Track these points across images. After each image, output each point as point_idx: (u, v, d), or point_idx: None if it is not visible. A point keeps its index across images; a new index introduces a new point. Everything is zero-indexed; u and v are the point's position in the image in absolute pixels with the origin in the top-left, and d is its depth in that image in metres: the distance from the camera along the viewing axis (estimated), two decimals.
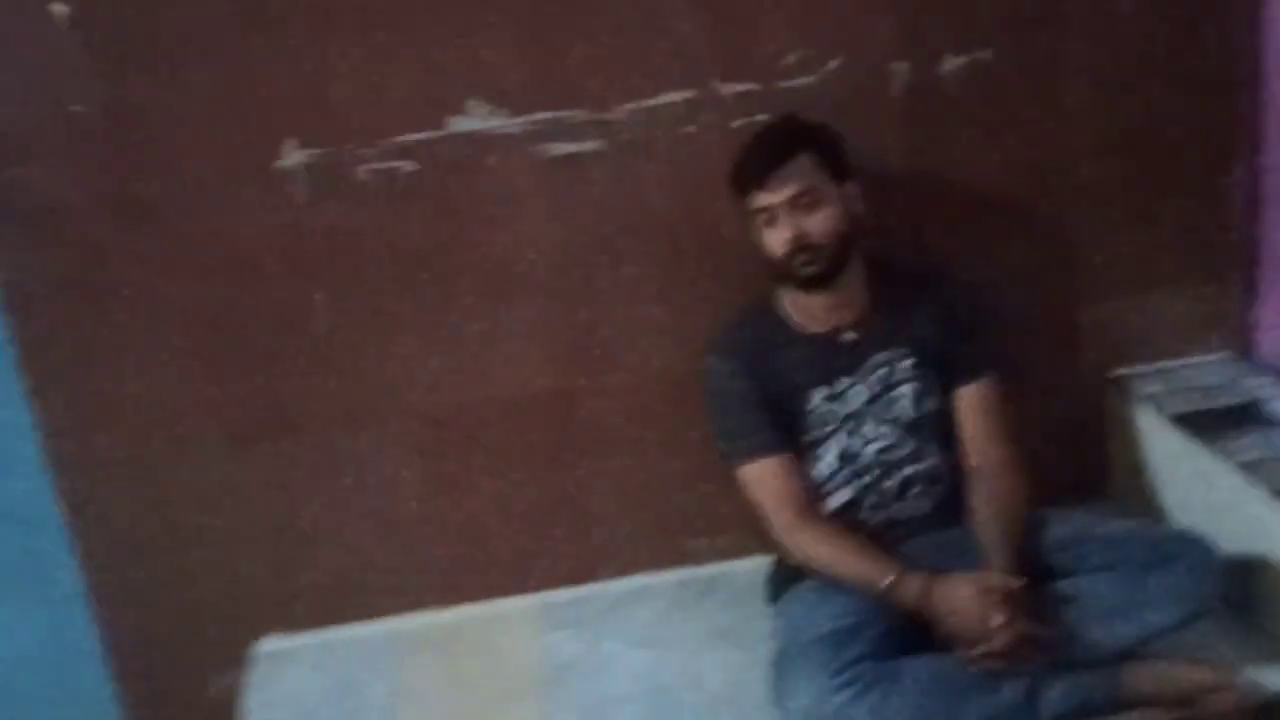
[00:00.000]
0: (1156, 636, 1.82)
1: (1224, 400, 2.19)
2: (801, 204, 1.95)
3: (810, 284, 1.99)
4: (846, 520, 2.02)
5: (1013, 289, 2.29)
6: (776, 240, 1.97)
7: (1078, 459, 2.42)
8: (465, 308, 2.23)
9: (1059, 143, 2.26)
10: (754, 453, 2.03)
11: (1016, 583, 1.78)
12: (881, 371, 2.05)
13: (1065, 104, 2.24)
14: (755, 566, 2.19)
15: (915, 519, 2.04)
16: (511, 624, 2.28)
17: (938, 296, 2.08)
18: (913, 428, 2.05)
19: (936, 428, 2.07)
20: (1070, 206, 2.29)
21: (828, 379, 2.04)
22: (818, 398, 2.03)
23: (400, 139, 2.12)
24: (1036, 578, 1.85)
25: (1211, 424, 2.11)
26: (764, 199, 1.96)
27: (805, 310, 2.05)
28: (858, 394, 2.04)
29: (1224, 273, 2.34)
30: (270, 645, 2.29)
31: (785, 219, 1.95)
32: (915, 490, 2.04)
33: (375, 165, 2.13)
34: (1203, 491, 2.08)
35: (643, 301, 2.25)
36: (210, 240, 2.14)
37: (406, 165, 2.14)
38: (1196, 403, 2.19)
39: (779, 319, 2.07)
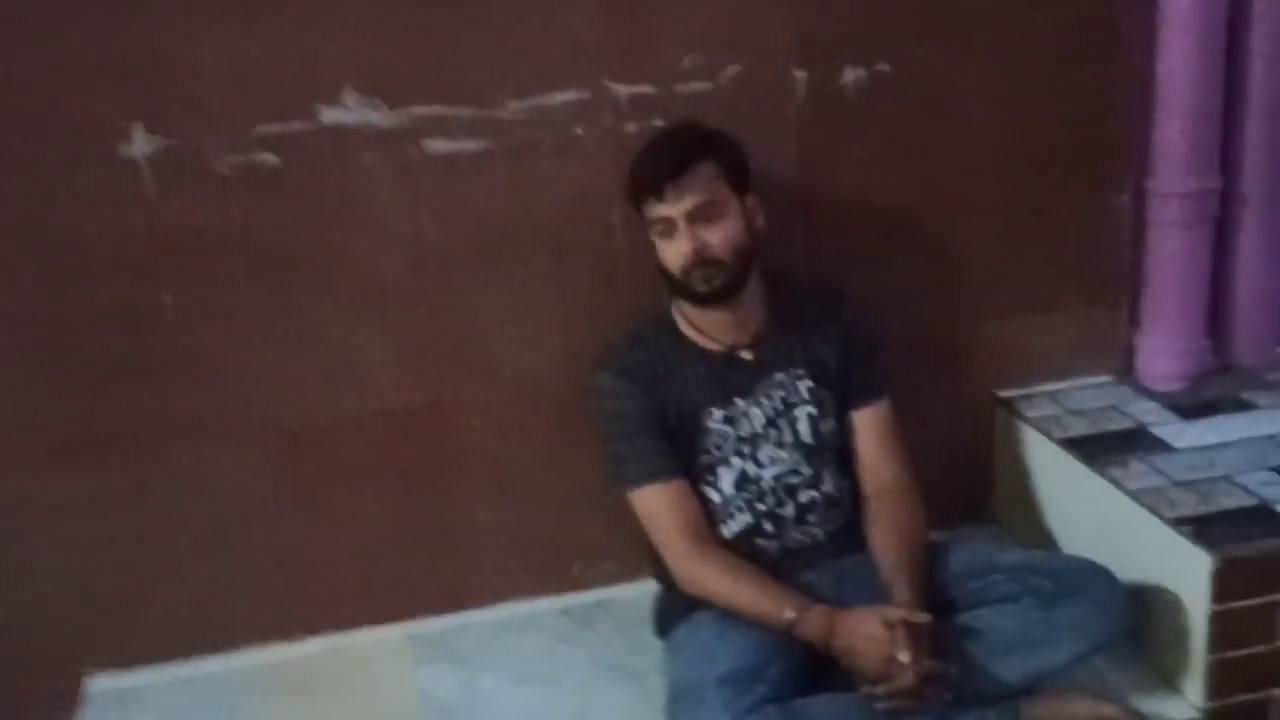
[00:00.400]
0: (1060, 671, 1.78)
1: (1111, 425, 2.18)
2: (702, 215, 1.84)
3: (709, 300, 1.89)
4: (743, 547, 1.93)
5: (903, 305, 2.23)
6: (674, 253, 1.86)
7: (963, 480, 2.39)
8: (328, 314, 2.06)
9: (953, 158, 2.21)
10: (647, 477, 1.91)
11: (922, 618, 1.72)
12: (780, 393, 1.96)
13: (961, 120, 2.20)
14: (643, 592, 2.07)
15: (813, 546, 1.96)
16: (377, 658, 2.11)
17: (836, 316, 2.00)
18: (811, 451, 1.96)
19: (834, 451, 2.00)
20: (962, 223, 2.25)
21: (725, 399, 1.94)
22: (714, 419, 1.93)
23: (264, 129, 1.94)
24: (939, 610, 1.79)
25: (1099, 448, 2.10)
26: (662, 209, 1.85)
27: (702, 327, 1.95)
28: (755, 416, 1.95)
29: (1109, 296, 2.34)
30: (103, 684, 2.08)
31: (684, 231, 1.84)
32: (813, 516, 1.96)
33: (235, 157, 1.94)
34: (1092, 517, 2.06)
35: (526, 313, 2.11)
36: (45, 233, 1.92)
37: (270, 158, 1.95)
38: (1084, 426, 2.18)
39: (674, 335, 1.97)
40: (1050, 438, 2.17)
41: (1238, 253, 2.30)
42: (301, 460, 2.12)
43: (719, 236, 1.85)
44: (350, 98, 1.94)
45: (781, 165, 2.12)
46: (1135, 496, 1.95)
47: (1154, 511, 1.91)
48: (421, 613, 2.20)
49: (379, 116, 1.96)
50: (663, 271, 1.90)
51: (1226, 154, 2.24)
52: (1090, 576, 1.80)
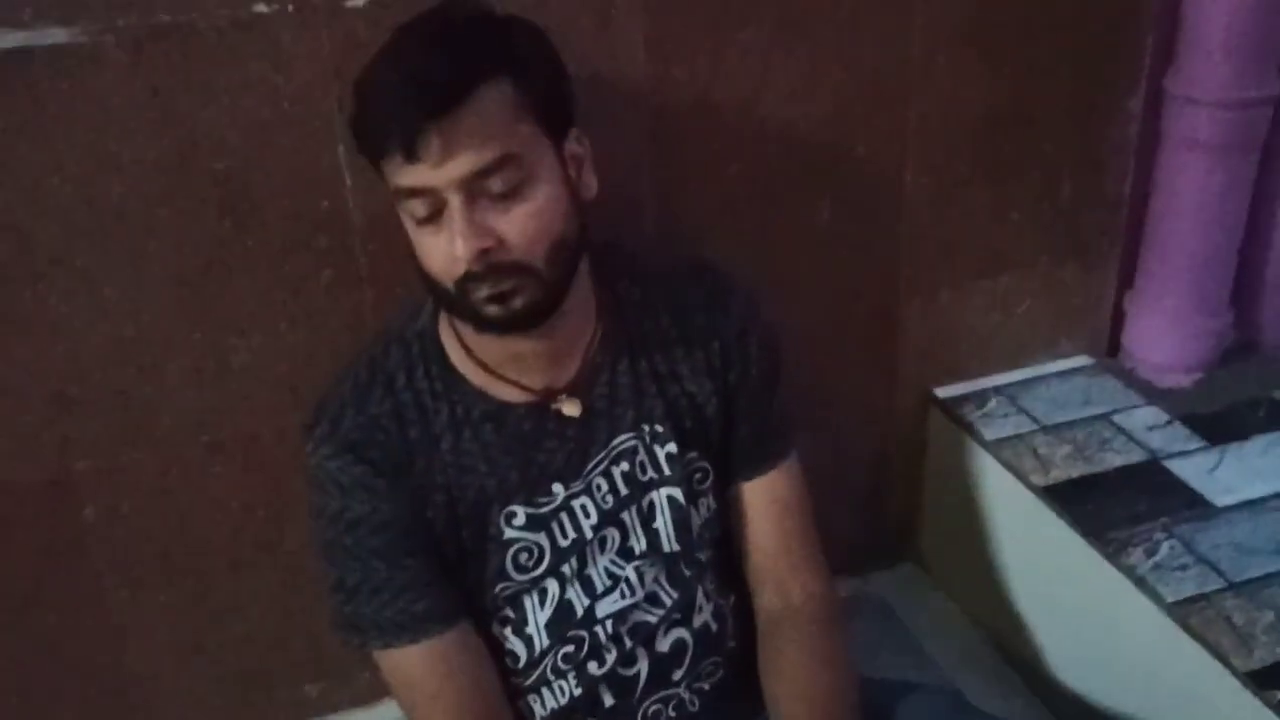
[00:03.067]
0: None
1: (1109, 454, 1.46)
2: (489, 188, 1.00)
3: (506, 327, 1.07)
4: None
5: (797, 271, 1.47)
6: (441, 255, 1.02)
7: (878, 510, 1.69)
8: None
9: (872, 51, 1.39)
10: (394, 631, 1.10)
11: None
12: (623, 468, 1.16)
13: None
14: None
15: (685, 718, 1.22)
16: None
17: (714, 323, 1.19)
18: (677, 563, 1.19)
19: (717, 554, 1.23)
20: (889, 148, 1.44)
21: (532, 486, 1.13)
22: (515, 522, 1.13)
23: None
24: None
25: (1098, 507, 1.39)
26: (414, 175, 0.99)
27: (493, 362, 1.12)
28: (584, 510, 1.16)
29: (1093, 243, 1.60)
30: None
31: (459, 216, 0.99)
32: (681, 672, 1.19)
33: None
34: (1085, 605, 1.39)
35: (194, 325, 1.24)
36: None
37: None
38: (1067, 459, 1.46)
39: (445, 371, 1.13)
40: (1025, 482, 1.45)
41: None
42: None
43: (520, 225, 1.01)
44: None
45: (620, 67, 1.29)
46: (1185, 624, 1.23)
47: (1219, 655, 1.20)
48: None
49: None
50: (422, 275, 1.06)
51: None
52: None
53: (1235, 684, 1.18)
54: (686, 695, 1.20)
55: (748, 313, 1.21)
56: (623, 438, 1.16)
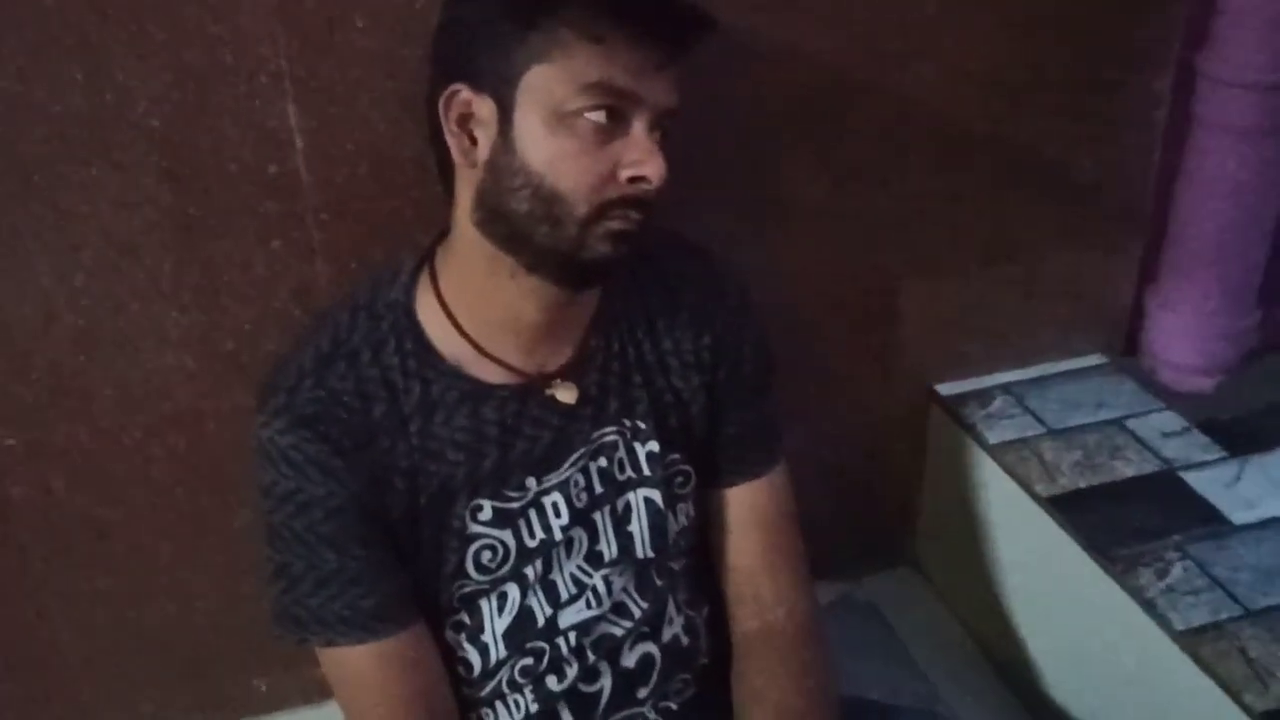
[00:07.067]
0: None
1: (1119, 463, 1.36)
2: (662, 127, 0.95)
3: (598, 273, 0.98)
4: None
5: (784, 259, 1.36)
6: (602, 168, 0.92)
7: (872, 507, 1.58)
8: None
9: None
10: (341, 626, 1.00)
11: None
12: (600, 464, 1.07)
13: None
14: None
15: None
16: None
17: (706, 321, 1.10)
18: (649, 570, 1.09)
19: (691, 563, 1.14)
20: (889, 111, 1.33)
21: (503, 478, 1.03)
22: (481, 516, 1.03)
23: None
24: None
25: (1104, 519, 1.29)
26: (639, 77, 0.91)
27: (483, 336, 1.02)
28: (554, 508, 1.06)
29: (1112, 232, 1.48)
30: None
31: (645, 137, 0.93)
32: (646, 689, 1.10)
33: None
34: (1088, 621, 1.29)
35: (130, 295, 1.13)
36: None
37: None
38: (1075, 467, 1.35)
39: (418, 346, 1.02)
40: (1029, 491, 1.34)
41: None
42: None
43: (666, 169, 0.94)
44: None
45: None
46: (1195, 655, 1.13)
47: (1231, 692, 1.10)
48: None
49: None
50: (511, 204, 0.93)
51: None
52: None
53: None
54: (652, 715, 1.10)
55: (742, 305, 1.12)
56: (605, 430, 1.07)
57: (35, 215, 1.07)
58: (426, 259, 1.05)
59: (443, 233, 1.04)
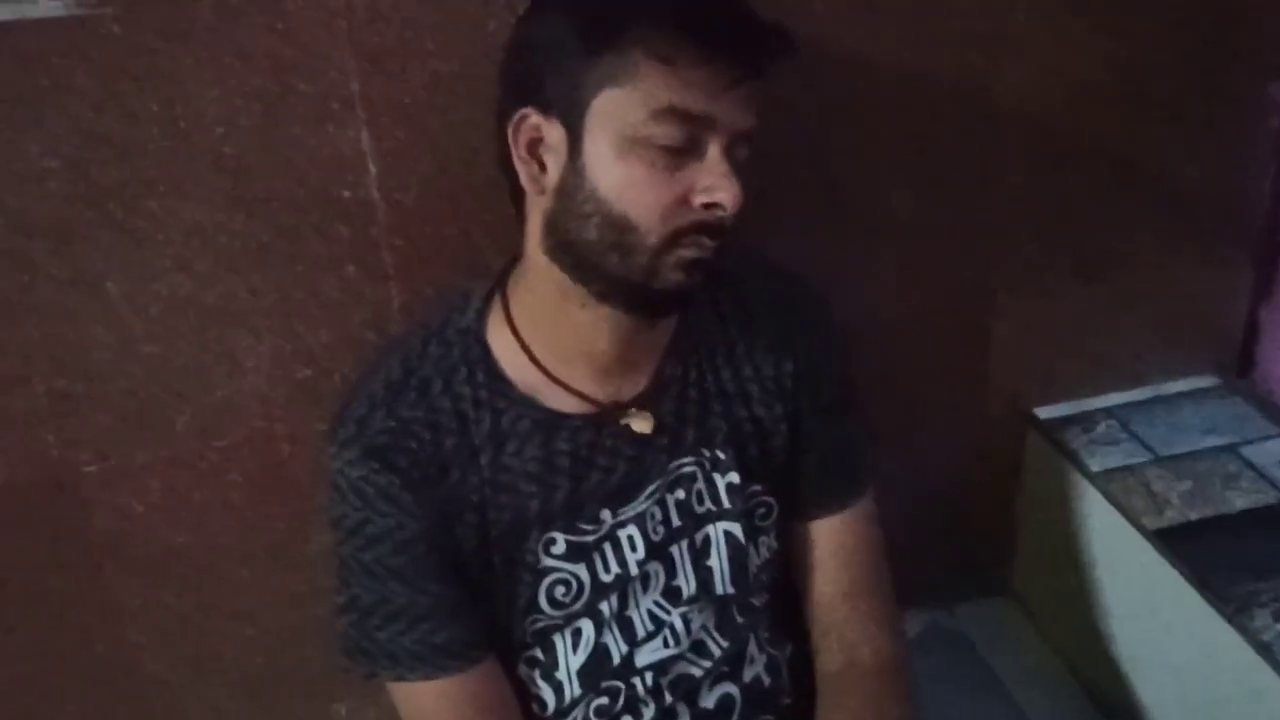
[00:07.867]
0: None
1: (1232, 492, 1.28)
2: (738, 154, 0.91)
3: (673, 304, 0.95)
4: None
5: (868, 281, 1.31)
6: (675, 193, 0.88)
7: (963, 533, 1.50)
8: None
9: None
10: (411, 663, 0.98)
11: None
12: (678, 495, 1.03)
13: None
14: None
15: None
16: None
17: (788, 347, 1.05)
18: (729, 607, 1.06)
19: (773, 600, 1.10)
20: (983, 127, 1.27)
21: (577, 511, 1.00)
22: (554, 550, 1.00)
23: None
24: None
25: (1217, 559, 1.21)
26: (711, 99, 0.87)
27: (556, 365, 0.99)
28: (630, 542, 1.03)
29: (1225, 249, 1.40)
30: None
31: (722, 159, 0.89)
32: None
33: None
34: (1200, 667, 1.22)
35: (204, 322, 1.12)
36: None
37: None
38: (1185, 497, 1.28)
39: (489, 376, 0.99)
40: (1135, 524, 1.27)
41: None
42: None
43: (741, 193, 0.90)
44: None
45: None
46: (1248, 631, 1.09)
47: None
48: None
49: None
50: (581, 232, 0.90)
51: None
52: None
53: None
54: None
55: (825, 329, 1.07)
56: (683, 461, 1.03)
57: (111, 244, 1.07)
58: (498, 285, 1.02)
59: (515, 258, 1.01)
